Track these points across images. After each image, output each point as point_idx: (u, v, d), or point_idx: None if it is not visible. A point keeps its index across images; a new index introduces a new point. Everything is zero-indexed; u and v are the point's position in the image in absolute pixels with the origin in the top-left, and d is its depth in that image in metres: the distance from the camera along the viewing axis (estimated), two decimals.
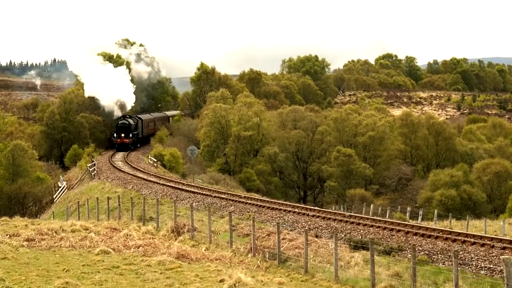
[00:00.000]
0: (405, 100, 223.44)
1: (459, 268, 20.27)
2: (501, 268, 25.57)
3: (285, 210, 44.71)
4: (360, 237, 35.00)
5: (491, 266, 28.37)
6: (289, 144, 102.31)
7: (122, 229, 34.20)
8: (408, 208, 62.35)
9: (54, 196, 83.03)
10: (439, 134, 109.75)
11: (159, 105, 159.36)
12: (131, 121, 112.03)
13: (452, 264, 21.69)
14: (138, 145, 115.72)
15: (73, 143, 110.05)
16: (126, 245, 29.57)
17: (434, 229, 36.84)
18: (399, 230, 36.10)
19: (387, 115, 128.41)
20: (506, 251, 30.07)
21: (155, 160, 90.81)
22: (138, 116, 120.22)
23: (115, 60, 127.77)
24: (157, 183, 64.22)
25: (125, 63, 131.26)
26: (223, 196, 53.22)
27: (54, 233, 32.12)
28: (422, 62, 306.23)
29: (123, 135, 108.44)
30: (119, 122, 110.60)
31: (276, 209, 45.60)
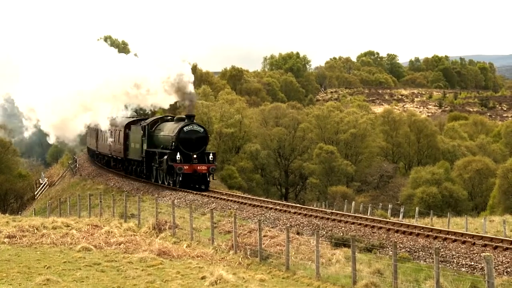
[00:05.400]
0: (386, 97, 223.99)
1: (440, 265, 20.33)
2: (482, 265, 25.66)
3: (266, 207, 44.62)
4: (342, 234, 35.01)
5: (472, 263, 28.47)
6: (271, 141, 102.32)
7: (104, 226, 34.08)
8: (389, 206, 62.43)
9: (36, 193, 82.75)
10: (421, 132, 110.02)
11: None
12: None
13: (433, 261, 21.76)
14: None
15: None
16: (108, 242, 29.50)
17: (415, 227, 36.96)
18: (381, 228, 36.16)
19: (368, 113, 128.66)
20: (487, 249, 30.17)
21: None
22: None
23: None
24: (138, 180, 64.00)
25: None
26: (204, 193, 53.05)
27: (35, 230, 31.98)
28: (403, 59, 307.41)
29: (195, 156, 54.16)
30: (184, 128, 54.19)
31: (258, 206, 45.53)
